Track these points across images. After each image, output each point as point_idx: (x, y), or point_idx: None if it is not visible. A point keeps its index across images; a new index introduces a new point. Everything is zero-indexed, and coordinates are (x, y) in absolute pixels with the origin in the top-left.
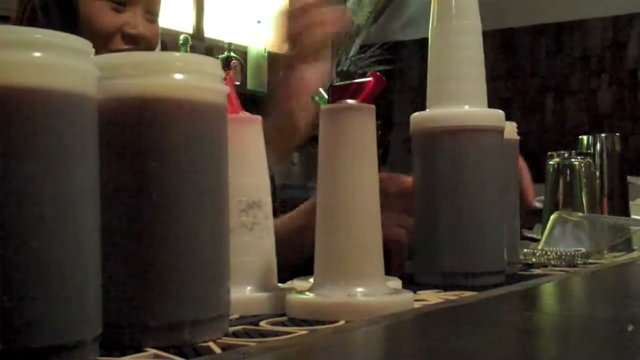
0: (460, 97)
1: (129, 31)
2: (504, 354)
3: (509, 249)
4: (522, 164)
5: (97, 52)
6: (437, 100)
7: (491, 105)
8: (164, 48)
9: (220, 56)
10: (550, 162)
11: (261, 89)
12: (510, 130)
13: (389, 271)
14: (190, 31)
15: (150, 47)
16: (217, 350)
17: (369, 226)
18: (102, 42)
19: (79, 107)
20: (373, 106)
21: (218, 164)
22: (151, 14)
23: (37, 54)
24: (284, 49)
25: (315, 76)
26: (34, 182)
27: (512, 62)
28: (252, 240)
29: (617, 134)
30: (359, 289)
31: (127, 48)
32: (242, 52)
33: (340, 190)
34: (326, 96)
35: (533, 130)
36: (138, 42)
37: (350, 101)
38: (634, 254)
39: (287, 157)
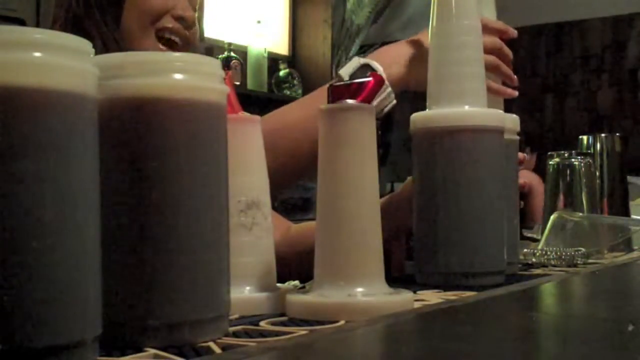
0: (460, 97)
1: (180, 13)
2: (504, 354)
3: (509, 249)
4: (538, 182)
5: (146, 31)
6: (437, 100)
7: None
8: None
9: (220, 56)
10: (550, 162)
11: (261, 89)
12: (513, 125)
13: (389, 271)
14: None
15: (194, 35)
16: (217, 350)
17: (369, 226)
18: (152, 21)
19: (79, 107)
20: (373, 106)
21: (218, 164)
22: (192, 6)
23: (37, 54)
24: None
25: None
26: (34, 182)
27: (512, 62)
28: (252, 240)
29: (617, 134)
30: (359, 289)
31: (176, 27)
32: (242, 52)
33: (340, 190)
34: None
35: (533, 130)
36: (189, 26)
37: (350, 101)
38: (634, 254)
39: None
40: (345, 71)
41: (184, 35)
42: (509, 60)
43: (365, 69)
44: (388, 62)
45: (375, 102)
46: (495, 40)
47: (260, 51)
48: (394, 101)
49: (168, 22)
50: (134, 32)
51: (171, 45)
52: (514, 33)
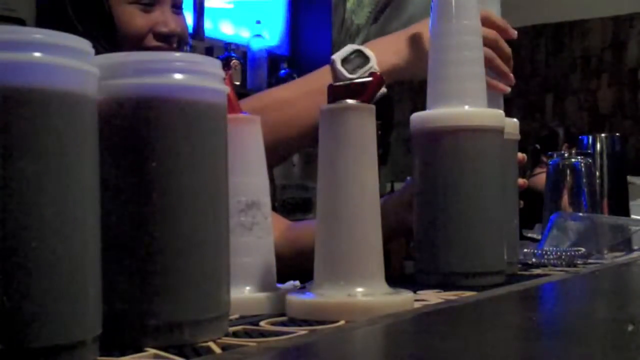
0: (460, 97)
1: (161, 30)
2: (504, 354)
3: (509, 249)
4: None
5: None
6: (437, 100)
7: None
8: None
9: (220, 56)
10: (550, 162)
11: (261, 89)
12: (513, 129)
13: (389, 271)
14: (190, 31)
15: (182, 40)
16: (217, 350)
17: (369, 226)
18: (137, 43)
19: (79, 107)
20: (373, 106)
21: (218, 164)
22: (177, 7)
23: (37, 54)
24: None
25: None
26: (34, 182)
27: (512, 62)
28: (252, 240)
29: (617, 134)
30: (359, 289)
31: (160, 46)
32: (242, 52)
33: (340, 190)
34: None
35: (533, 130)
36: (171, 40)
37: (350, 101)
38: (634, 254)
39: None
40: (339, 55)
41: (172, 49)
42: (506, 56)
43: (358, 54)
44: (382, 50)
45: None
46: (492, 33)
47: (260, 51)
48: (385, 90)
49: (150, 42)
50: None
51: None
52: (514, 33)
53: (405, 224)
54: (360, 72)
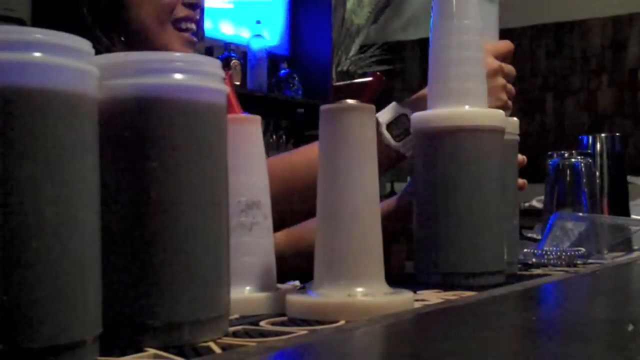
0: (460, 97)
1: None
2: (504, 354)
3: (509, 249)
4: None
5: (164, 26)
6: (437, 100)
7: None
8: None
9: (220, 56)
10: (550, 162)
11: (261, 89)
12: (513, 129)
13: (389, 271)
14: None
15: (201, 13)
16: (217, 350)
17: (369, 226)
18: (169, 13)
19: (79, 107)
20: (373, 106)
21: (218, 164)
22: None
23: (37, 54)
24: None
25: None
26: (34, 182)
27: (512, 62)
28: (252, 240)
29: (617, 134)
30: (359, 289)
31: (190, 14)
32: (242, 52)
33: (340, 190)
34: None
35: (533, 130)
36: (195, 8)
37: (350, 101)
38: (634, 254)
39: None
40: (383, 119)
41: (196, 20)
42: (511, 93)
43: (402, 117)
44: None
45: (408, 154)
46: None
47: (260, 51)
48: None
49: (181, 12)
50: (154, 30)
51: (188, 32)
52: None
53: (406, 227)
54: (406, 140)
